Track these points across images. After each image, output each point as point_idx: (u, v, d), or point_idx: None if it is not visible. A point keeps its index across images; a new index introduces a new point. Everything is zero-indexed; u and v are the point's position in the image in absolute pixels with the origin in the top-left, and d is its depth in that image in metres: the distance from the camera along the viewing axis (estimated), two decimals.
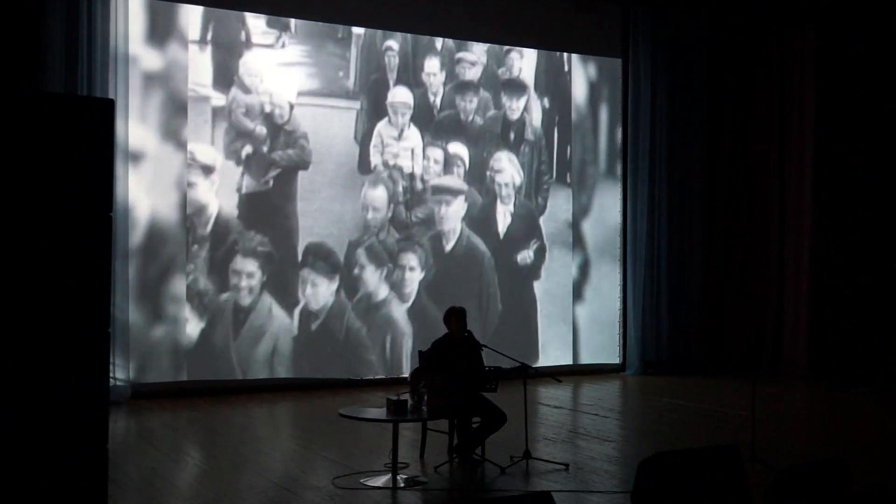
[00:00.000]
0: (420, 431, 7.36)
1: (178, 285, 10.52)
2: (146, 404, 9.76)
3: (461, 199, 11.99)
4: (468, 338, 7.20)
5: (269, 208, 11.01)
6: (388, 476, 6.50)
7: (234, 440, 8.69)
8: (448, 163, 12.00)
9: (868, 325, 12.23)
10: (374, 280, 11.50)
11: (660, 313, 12.94)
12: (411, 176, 11.71)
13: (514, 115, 12.37)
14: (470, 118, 12.08)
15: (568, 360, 12.65)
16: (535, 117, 12.55)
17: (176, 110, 10.55)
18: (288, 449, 8.10)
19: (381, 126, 11.59)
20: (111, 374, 9.37)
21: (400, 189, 11.66)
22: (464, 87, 12.08)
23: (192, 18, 10.63)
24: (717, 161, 13.46)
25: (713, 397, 10.83)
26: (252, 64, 10.91)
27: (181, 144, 10.57)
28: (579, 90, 12.85)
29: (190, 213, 10.58)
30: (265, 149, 10.95)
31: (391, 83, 11.65)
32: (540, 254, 12.56)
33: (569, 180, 12.75)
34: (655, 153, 12.98)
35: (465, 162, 12.06)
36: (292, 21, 11.14)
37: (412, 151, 11.75)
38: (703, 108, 13.30)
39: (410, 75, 11.77)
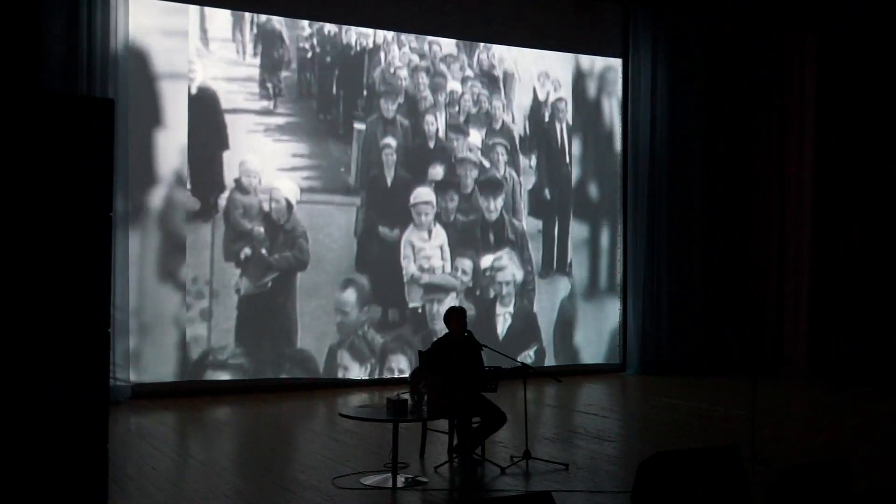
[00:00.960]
0: (420, 431, 7.36)
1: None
2: (146, 404, 9.76)
3: (453, 296, 11.81)
4: (468, 338, 7.20)
5: (267, 309, 10.91)
6: (388, 476, 6.49)
7: (234, 440, 8.69)
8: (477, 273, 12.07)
9: (868, 325, 12.23)
10: (355, 372, 11.36)
11: (660, 313, 12.93)
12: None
13: (493, 216, 12.23)
14: (452, 217, 11.97)
15: (568, 360, 12.64)
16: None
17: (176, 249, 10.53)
18: (288, 449, 8.10)
19: (409, 234, 11.60)
20: (111, 374, 9.37)
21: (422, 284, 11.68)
22: (445, 185, 11.96)
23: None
24: (718, 161, 13.46)
25: (713, 397, 10.83)
26: (251, 164, 10.80)
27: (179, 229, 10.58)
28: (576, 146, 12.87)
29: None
30: (264, 250, 10.88)
31: (388, 180, 11.57)
32: (540, 355, 12.42)
33: (569, 159, 12.77)
34: (655, 153, 12.97)
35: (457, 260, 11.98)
36: (291, 115, 11.06)
37: (440, 249, 11.75)
38: (703, 109, 13.29)
39: (410, 172, 11.71)
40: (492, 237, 12.21)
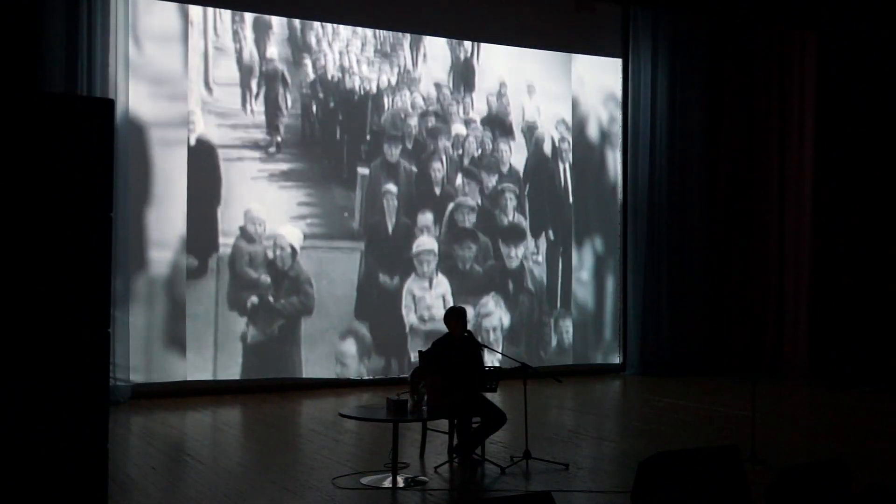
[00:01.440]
0: (420, 431, 7.36)
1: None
2: (146, 404, 9.76)
3: None
4: (468, 338, 7.20)
5: (273, 356, 10.93)
6: (388, 476, 6.50)
7: (234, 440, 8.69)
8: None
9: (868, 325, 12.22)
10: None
11: (660, 313, 12.93)
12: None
13: (514, 264, 12.28)
14: (468, 266, 11.98)
15: (568, 360, 12.64)
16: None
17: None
18: (287, 449, 8.10)
19: (410, 283, 11.58)
20: (111, 374, 9.37)
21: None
22: (462, 234, 11.99)
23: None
24: (717, 161, 13.46)
25: (713, 397, 10.83)
26: (256, 213, 10.79)
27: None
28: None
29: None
30: (271, 298, 10.88)
31: (390, 227, 11.56)
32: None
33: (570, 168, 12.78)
34: (655, 153, 12.98)
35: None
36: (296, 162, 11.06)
37: (443, 299, 11.71)
38: (703, 109, 13.30)
39: (412, 220, 11.69)
40: (492, 282, 12.16)
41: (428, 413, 6.62)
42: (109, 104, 4.61)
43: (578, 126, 12.82)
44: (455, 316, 7.20)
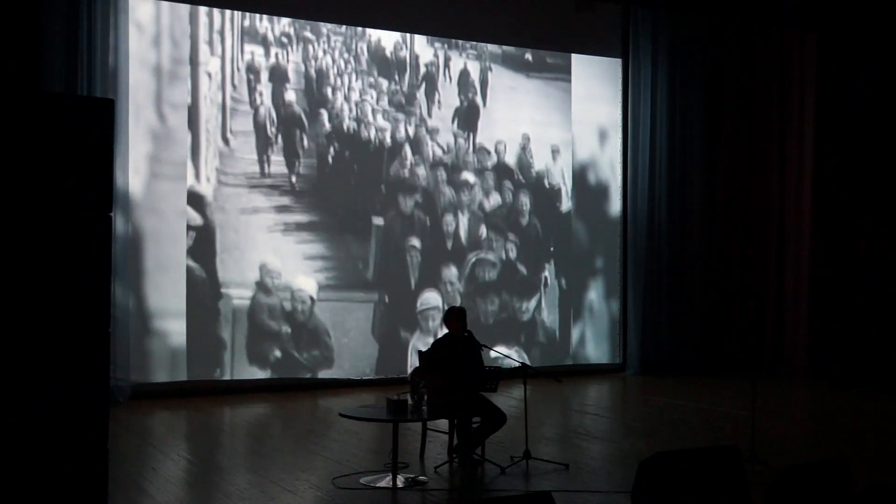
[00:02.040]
0: (420, 431, 7.36)
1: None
2: (146, 404, 9.76)
3: None
4: (468, 338, 7.19)
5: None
6: (388, 476, 6.50)
7: (233, 440, 8.69)
8: None
9: (868, 325, 12.22)
10: None
11: (660, 313, 12.93)
12: None
13: (526, 317, 12.35)
14: (491, 321, 12.05)
15: (568, 361, 12.64)
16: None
17: None
18: (288, 449, 8.10)
19: (415, 340, 11.55)
20: (111, 374, 9.36)
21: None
22: (484, 287, 12.05)
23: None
24: (717, 161, 13.46)
25: (713, 397, 10.83)
26: (273, 265, 10.82)
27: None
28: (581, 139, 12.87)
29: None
30: (292, 350, 10.94)
31: (413, 282, 11.62)
32: None
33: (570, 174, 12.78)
34: (655, 153, 12.98)
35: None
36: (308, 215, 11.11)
37: None
38: (702, 109, 13.30)
39: (435, 275, 11.76)
40: (501, 332, 12.15)
41: (428, 413, 6.62)
42: (109, 104, 4.61)
43: (578, 128, 12.82)
44: (455, 316, 7.20)
